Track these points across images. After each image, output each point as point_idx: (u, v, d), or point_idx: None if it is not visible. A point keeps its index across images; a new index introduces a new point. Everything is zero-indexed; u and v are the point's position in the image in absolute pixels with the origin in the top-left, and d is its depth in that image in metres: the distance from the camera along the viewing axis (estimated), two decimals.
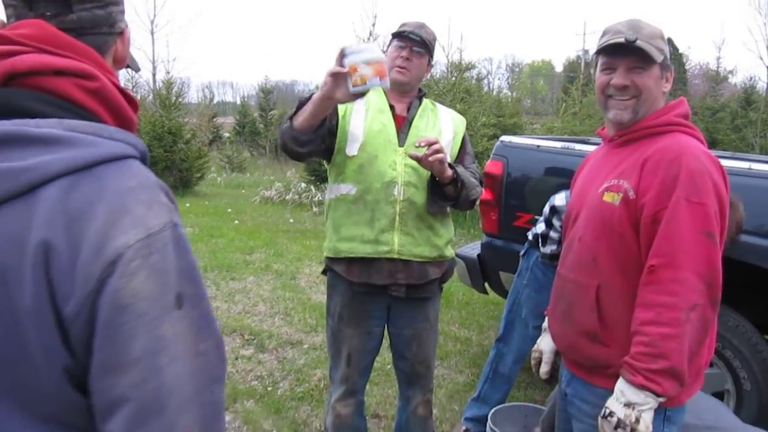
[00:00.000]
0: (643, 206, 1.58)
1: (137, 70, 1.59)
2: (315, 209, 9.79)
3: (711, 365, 3.05)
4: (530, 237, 3.17)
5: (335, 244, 2.49)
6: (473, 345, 4.56)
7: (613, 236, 1.64)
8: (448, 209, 2.57)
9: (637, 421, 1.51)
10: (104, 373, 0.87)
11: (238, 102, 30.31)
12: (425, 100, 2.56)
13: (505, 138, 3.68)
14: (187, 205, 9.74)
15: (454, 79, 10.83)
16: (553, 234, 3.04)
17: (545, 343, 2.05)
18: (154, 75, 23.34)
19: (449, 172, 2.29)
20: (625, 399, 1.53)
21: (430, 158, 2.22)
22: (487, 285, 3.96)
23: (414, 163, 2.35)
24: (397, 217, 2.39)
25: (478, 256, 3.78)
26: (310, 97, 2.25)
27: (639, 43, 1.62)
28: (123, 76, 14.64)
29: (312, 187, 10.51)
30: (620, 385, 1.56)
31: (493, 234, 3.63)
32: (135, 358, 0.87)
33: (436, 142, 2.22)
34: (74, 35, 0.97)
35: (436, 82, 10.40)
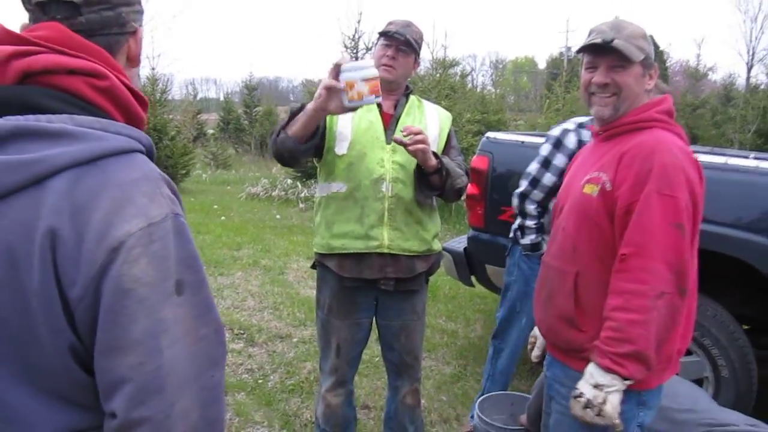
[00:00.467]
0: (618, 198, 1.65)
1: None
2: (301, 205, 9.83)
3: (690, 353, 3.16)
4: (512, 234, 3.24)
5: (328, 241, 2.55)
6: (460, 337, 4.64)
7: (592, 226, 1.71)
8: (435, 203, 2.64)
9: (605, 402, 1.58)
10: (107, 353, 0.93)
11: (222, 98, 30.18)
12: (412, 97, 2.62)
13: (490, 134, 3.77)
14: None
15: (438, 75, 10.90)
16: (528, 223, 3.10)
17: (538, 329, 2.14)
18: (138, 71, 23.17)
19: (433, 161, 2.35)
20: (593, 381, 1.61)
21: (411, 147, 2.28)
22: (474, 278, 4.04)
23: (401, 159, 2.42)
24: (386, 213, 2.46)
25: (465, 249, 3.86)
26: (301, 108, 2.32)
27: (615, 43, 1.70)
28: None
29: (298, 184, 10.54)
30: (590, 367, 1.64)
31: (480, 228, 3.71)
32: (135, 340, 0.92)
33: (419, 132, 2.29)
34: (85, 36, 1.03)
35: (421, 79, 10.47)
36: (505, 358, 3.28)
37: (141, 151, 1.03)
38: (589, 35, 1.78)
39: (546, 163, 3.05)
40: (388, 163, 2.44)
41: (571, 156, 2.92)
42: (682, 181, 1.60)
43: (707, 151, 4.37)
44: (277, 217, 8.98)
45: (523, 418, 2.72)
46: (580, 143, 2.95)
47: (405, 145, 2.30)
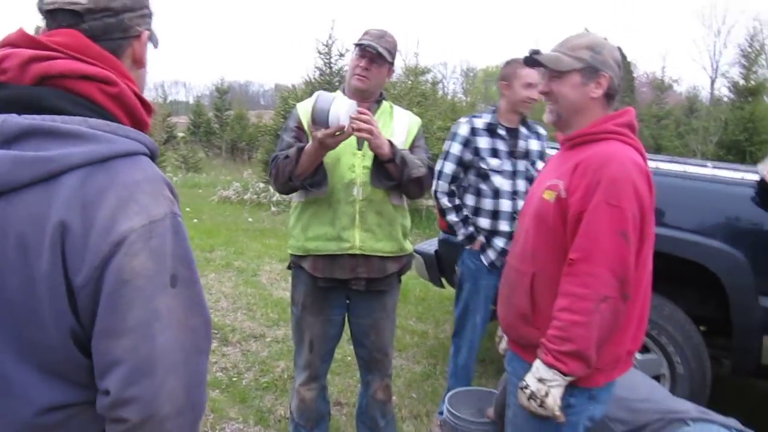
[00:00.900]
0: (571, 205, 1.74)
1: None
2: (274, 209, 9.88)
3: (648, 351, 3.32)
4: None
5: (303, 243, 2.66)
6: (430, 338, 4.76)
7: (548, 230, 1.81)
8: (406, 205, 2.75)
9: (547, 395, 1.70)
10: (104, 337, 1.03)
11: (192, 101, 29.99)
12: (384, 103, 2.73)
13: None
14: None
15: (410, 83, 11.05)
16: (451, 217, 3.30)
17: None
18: None
19: (386, 149, 2.44)
20: (538, 375, 1.72)
21: (357, 134, 2.38)
22: (444, 280, 4.16)
23: (370, 163, 2.53)
24: (357, 216, 2.57)
25: (436, 252, 3.98)
26: (299, 149, 2.47)
27: (539, 56, 1.84)
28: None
29: (270, 187, 10.58)
30: (536, 362, 1.75)
31: (449, 231, 3.83)
32: (131, 326, 1.03)
33: (367, 121, 2.38)
34: (90, 41, 1.12)
35: (393, 86, 10.60)
36: (464, 355, 3.41)
37: (146, 154, 1.12)
38: None
39: (445, 155, 3.29)
40: (359, 168, 2.55)
41: (464, 143, 3.21)
42: (630, 192, 1.68)
43: (669, 159, 4.55)
44: (250, 220, 9.03)
45: (490, 411, 2.83)
46: (473, 130, 3.22)
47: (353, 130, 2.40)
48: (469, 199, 3.27)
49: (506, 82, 3.22)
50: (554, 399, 1.71)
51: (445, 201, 3.30)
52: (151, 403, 1.04)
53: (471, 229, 3.26)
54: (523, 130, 3.27)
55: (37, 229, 1.01)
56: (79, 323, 1.05)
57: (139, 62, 1.23)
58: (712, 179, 3.36)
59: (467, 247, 3.29)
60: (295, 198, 2.73)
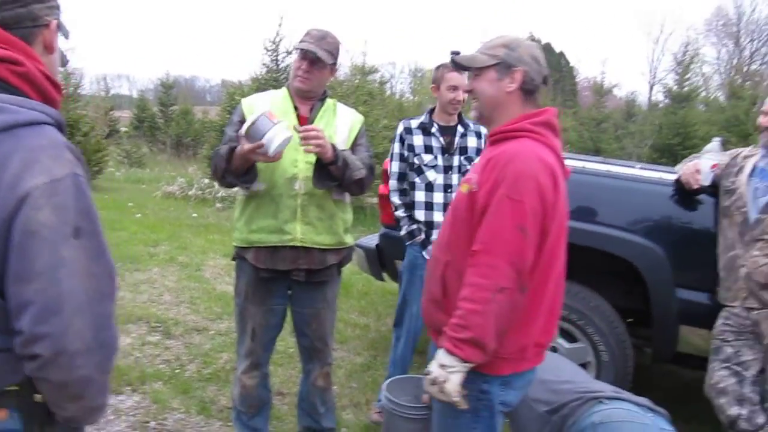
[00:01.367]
0: (479, 199, 1.83)
1: (64, 64, 1.83)
2: (218, 205, 9.85)
3: (577, 340, 3.51)
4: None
5: (246, 235, 2.75)
6: (371, 330, 4.88)
7: (461, 221, 1.91)
8: (347, 199, 2.87)
9: (446, 380, 1.78)
10: (16, 281, 1.19)
11: (135, 95, 29.38)
12: (328, 101, 2.84)
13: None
14: None
15: (357, 81, 11.16)
16: (398, 213, 3.51)
17: None
18: None
19: (329, 153, 2.57)
20: (440, 361, 1.81)
21: (305, 149, 2.54)
22: (385, 274, 4.29)
23: (313, 159, 2.64)
24: (299, 209, 2.68)
25: (377, 246, 4.10)
26: (231, 148, 2.59)
27: (457, 57, 1.98)
28: None
29: (215, 183, 10.53)
30: (440, 349, 1.84)
31: (390, 225, 3.96)
32: (39, 271, 1.19)
33: (315, 137, 2.51)
34: (3, 29, 1.29)
35: (339, 84, 10.69)
36: (402, 345, 3.56)
37: (51, 124, 1.27)
38: None
39: (392, 156, 3.52)
40: (302, 163, 2.65)
41: (400, 140, 3.46)
42: (532, 188, 1.75)
43: (600, 160, 4.77)
44: (194, 215, 8.98)
45: (426, 397, 2.97)
46: (407, 129, 3.45)
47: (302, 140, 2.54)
48: (410, 196, 3.45)
49: (435, 85, 3.45)
50: (453, 385, 1.77)
51: (395, 199, 3.52)
52: (60, 339, 1.19)
53: (414, 226, 3.43)
54: (460, 128, 3.46)
55: None
56: None
57: (49, 48, 1.39)
58: (633, 178, 3.58)
59: (407, 243, 3.46)
60: (240, 192, 2.82)
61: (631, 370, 3.52)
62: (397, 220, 3.52)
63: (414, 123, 3.48)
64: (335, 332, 4.56)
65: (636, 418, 2.24)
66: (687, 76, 16.51)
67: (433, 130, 3.42)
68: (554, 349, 3.51)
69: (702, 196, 3.30)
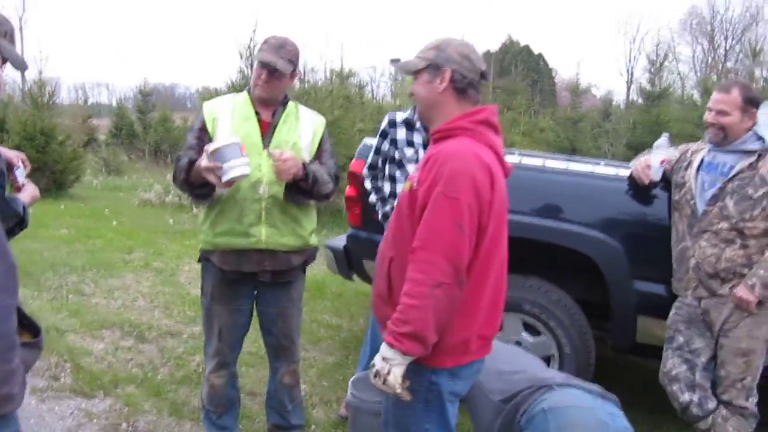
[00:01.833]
0: (419, 196, 1.89)
1: (23, 69, 1.90)
2: (195, 210, 9.84)
3: (540, 334, 3.60)
4: None
5: (212, 239, 2.82)
6: (344, 331, 4.95)
7: (405, 218, 1.97)
8: (312, 202, 2.94)
9: (389, 372, 1.85)
10: None
11: (114, 104, 29.23)
12: (290, 105, 2.91)
13: (367, 140, 4.11)
14: (62, 207, 9.54)
15: (331, 86, 11.23)
16: (372, 198, 3.61)
17: None
18: (22, 73, 22.11)
19: (300, 173, 2.67)
20: (382, 354, 1.87)
21: (280, 178, 2.65)
22: (354, 274, 4.36)
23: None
24: (263, 212, 2.75)
25: (344, 247, 4.18)
26: (191, 161, 2.68)
27: (395, 64, 2.07)
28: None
29: None
30: (383, 342, 1.91)
31: (357, 226, 4.04)
32: None
33: (288, 159, 2.62)
34: None
35: (316, 91, 10.74)
36: (369, 343, 3.62)
37: None
38: None
39: (371, 147, 3.65)
40: (265, 167, 2.72)
41: (383, 135, 3.54)
42: (468, 185, 1.81)
43: (565, 158, 4.87)
44: (170, 222, 8.99)
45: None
46: (391, 122, 3.52)
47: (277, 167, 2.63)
48: (386, 186, 3.52)
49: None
50: (395, 377, 1.83)
51: (367, 184, 3.64)
52: None
53: (387, 208, 3.50)
54: None
55: None
56: None
57: None
58: (591, 175, 3.68)
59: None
60: None
61: (593, 362, 3.62)
62: (373, 205, 3.59)
63: (399, 117, 3.52)
64: (308, 333, 4.67)
65: (585, 403, 2.34)
66: (660, 75, 16.76)
67: (418, 125, 3.46)
68: (518, 343, 3.60)
69: (656, 191, 3.41)
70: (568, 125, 18.02)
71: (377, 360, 1.89)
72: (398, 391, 1.86)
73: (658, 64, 16.77)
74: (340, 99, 11.08)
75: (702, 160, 3.11)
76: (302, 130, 2.89)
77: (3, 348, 1.37)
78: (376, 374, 1.87)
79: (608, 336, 3.84)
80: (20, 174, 2.27)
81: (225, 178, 2.52)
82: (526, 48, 40.84)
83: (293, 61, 2.79)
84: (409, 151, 3.45)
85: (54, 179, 10.93)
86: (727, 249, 2.93)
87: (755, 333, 2.92)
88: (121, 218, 9.10)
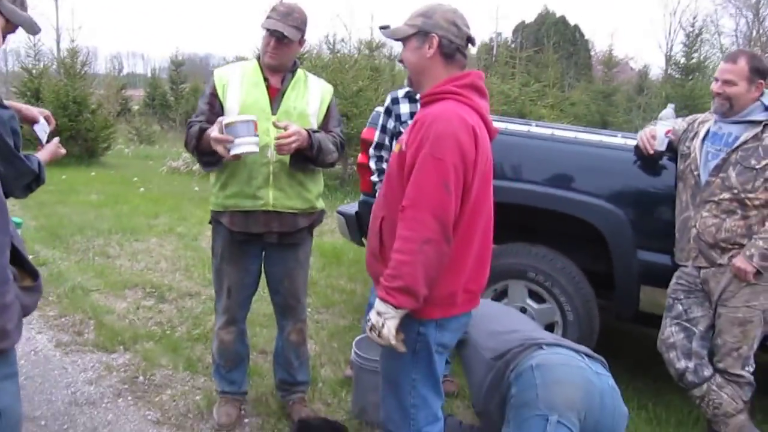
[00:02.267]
0: (407, 158, 1.97)
1: (35, 32, 2.00)
2: None
3: (544, 301, 3.66)
4: None
5: (222, 200, 2.93)
6: (357, 296, 5.07)
7: (395, 179, 2.06)
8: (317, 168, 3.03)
9: (383, 326, 1.94)
10: None
11: (149, 74, 29.60)
12: (299, 72, 2.99)
13: (379, 108, 4.17)
14: (93, 173, 9.81)
15: (357, 56, 11.25)
16: (375, 178, 3.70)
17: None
18: (58, 43, 22.53)
19: (306, 143, 2.75)
20: (377, 309, 1.97)
21: (281, 147, 2.71)
22: (364, 239, 4.46)
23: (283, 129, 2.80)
24: (271, 176, 2.85)
25: (356, 212, 4.27)
26: (201, 129, 2.78)
27: (384, 31, 2.12)
28: (25, 43, 14.20)
29: None
30: (377, 298, 2.00)
31: (368, 193, 4.11)
32: None
33: (291, 135, 2.69)
34: None
35: (340, 61, 10.77)
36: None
37: None
38: None
39: (376, 125, 3.73)
40: (273, 132, 2.80)
41: (386, 112, 3.61)
42: (453, 146, 1.89)
43: (582, 130, 4.87)
44: (196, 189, 9.19)
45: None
46: (394, 99, 3.59)
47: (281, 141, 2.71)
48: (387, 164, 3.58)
49: None
50: (389, 330, 1.92)
51: (372, 164, 3.70)
52: None
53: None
54: None
55: None
56: None
57: None
58: (598, 144, 3.70)
59: None
60: None
61: (597, 330, 3.67)
62: (374, 184, 3.67)
63: (401, 92, 3.57)
64: (323, 297, 4.80)
65: (572, 361, 2.41)
66: (696, 48, 16.39)
67: (418, 96, 3.51)
68: (523, 310, 3.67)
69: (663, 162, 3.42)
70: (599, 98, 17.76)
71: (372, 315, 1.98)
72: (393, 342, 1.96)
73: (693, 36, 16.36)
74: (366, 70, 11.10)
75: (708, 131, 3.11)
76: (310, 97, 2.96)
77: None
78: (372, 328, 1.97)
79: (612, 305, 3.88)
80: (40, 130, 2.34)
81: (233, 152, 2.62)
82: (562, 19, 40.08)
83: (301, 28, 2.85)
84: None
85: (86, 147, 11.23)
86: (728, 219, 2.94)
87: (752, 303, 2.94)
88: (149, 185, 9.33)
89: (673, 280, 3.18)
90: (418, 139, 1.95)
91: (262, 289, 3.23)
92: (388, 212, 2.07)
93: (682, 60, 16.33)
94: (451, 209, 1.92)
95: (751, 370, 3.03)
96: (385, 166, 3.63)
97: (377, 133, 3.67)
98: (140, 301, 4.64)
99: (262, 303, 4.22)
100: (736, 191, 2.91)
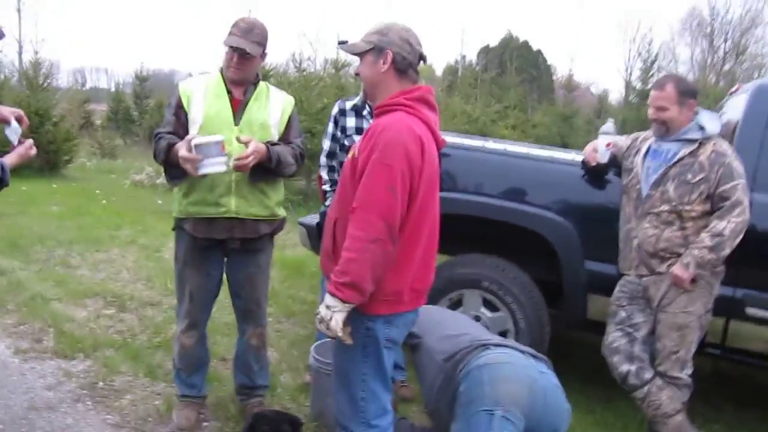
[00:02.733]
0: (359, 164, 2.11)
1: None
2: None
3: (498, 310, 3.80)
4: None
5: (185, 207, 3.02)
6: (317, 307, 5.13)
7: (347, 183, 2.20)
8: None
9: (331, 319, 2.07)
10: None
11: (113, 89, 29.33)
12: (261, 84, 3.11)
13: None
14: (54, 186, 9.73)
15: (323, 74, 11.41)
16: (327, 187, 3.80)
17: None
18: (20, 55, 22.19)
19: (265, 157, 2.87)
20: (326, 302, 2.09)
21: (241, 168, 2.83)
22: None
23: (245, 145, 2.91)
24: (233, 184, 2.95)
25: (317, 224, 4.37)
26: (170, 144, 2.87)
27: (343, 46, 2.28)
28: None
29: None
30: (326, 292, 2.13)
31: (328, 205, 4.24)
32: None
33: (249, 156, 2.80)
34: None
35: (305, 79, 10.91)
36: None
37: None
38: None
39: (325, 134, 3.84)
40: (236, 143, 2.90)
41: (334, 121, 3.72)
42: (401, 153, 2.04)
43: (538, 146, 5.06)
44: (159, 202, 9.16)
45: None
46: (341, 111, 3.70)
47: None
48: (338, 174, 3.70)
49: None
50: (337, 322, 2.05)
51: (323, 174, 3.81)
52: None
53: None
54: None
55: None
56: None
57: None
58: (548, 160, 3.88)
59: None
60: None
61: (548, 337, 3.82)
62: (324, 193, 3.79)
63: (348, 105, 3.69)
64: (284, 307, 4.88)
65: (518, 361, 2.55)
66: (651, 73, 16.98)
67: (365, 112, 3.64)
68: (477, 318, 3.80)
69: (608, 176, 3.62)
70: (560, 121, 18.23)
71: (321, 308, 2.11)
72: (340, 334, 2.08)
73: (650, 63, 16.96)
74: (332, 88, 11.25)
75: (649, 148, 3.31)
76: (272, 109, 3.08)
77: None
78: (321, 320, 2.10)
79: (562, 313, 4.04)
80: (12, 133, 2.38)
81: (201, 172, 2.75)
82: (525, 44, 40.99)
83: (262, 44, 2.97)
84: (358, 138, 3.60)
85: (47, 159, 11.11)
86: (667, 230, 3.13)
87: (689, 308, 3.12)
88: (112, 198, 9.29)
89: (617, 288, 3.35)
90: (369, 146, 2.09)
91: (224, 298, 3.31)
92: (341, 214, 2.20)
93: (639, 85, 16.89)
94: (398, 212, 2.06)
95: (689, 372, 3.21)
96: (337, 176, 3.74)
97: (327, 141, 3.76)
98: (101, 310, 4.66)
99: (223, 312, 4.29)
100: (674, 204, 3.10)
